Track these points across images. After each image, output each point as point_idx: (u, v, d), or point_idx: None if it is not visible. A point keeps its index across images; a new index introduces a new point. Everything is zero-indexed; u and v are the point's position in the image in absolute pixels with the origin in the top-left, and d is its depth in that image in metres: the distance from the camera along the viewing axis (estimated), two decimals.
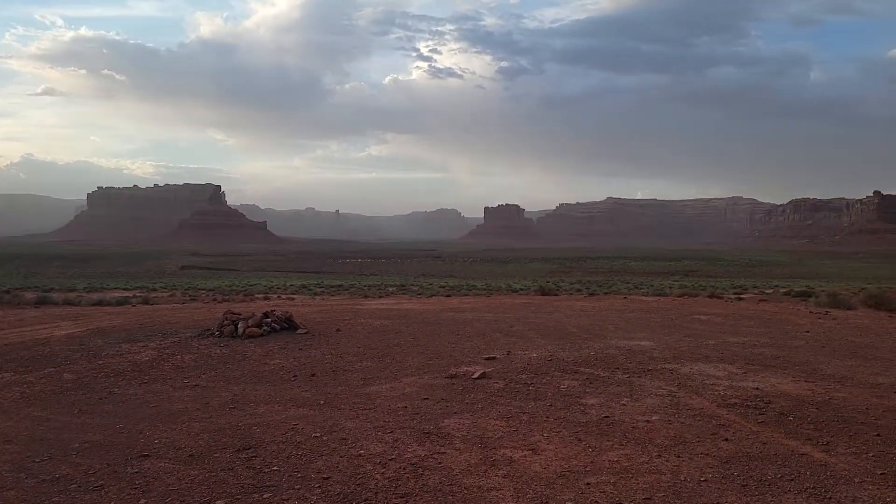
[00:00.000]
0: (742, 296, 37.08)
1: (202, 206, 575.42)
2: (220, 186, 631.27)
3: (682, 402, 6.81)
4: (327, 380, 8.83)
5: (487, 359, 9.77)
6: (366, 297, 27.04)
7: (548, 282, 44.25)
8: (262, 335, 12.61)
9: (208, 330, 13.21)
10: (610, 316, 14.78)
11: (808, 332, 11.94)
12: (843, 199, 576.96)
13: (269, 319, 13.11)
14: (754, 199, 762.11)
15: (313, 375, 9.17)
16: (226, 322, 13.07)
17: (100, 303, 23.58)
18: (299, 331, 13.12)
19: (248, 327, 12.70)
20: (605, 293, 24.28)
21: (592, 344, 10.90)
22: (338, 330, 13.26)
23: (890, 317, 14.55)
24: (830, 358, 9.23)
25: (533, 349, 10.50)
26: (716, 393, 7.14)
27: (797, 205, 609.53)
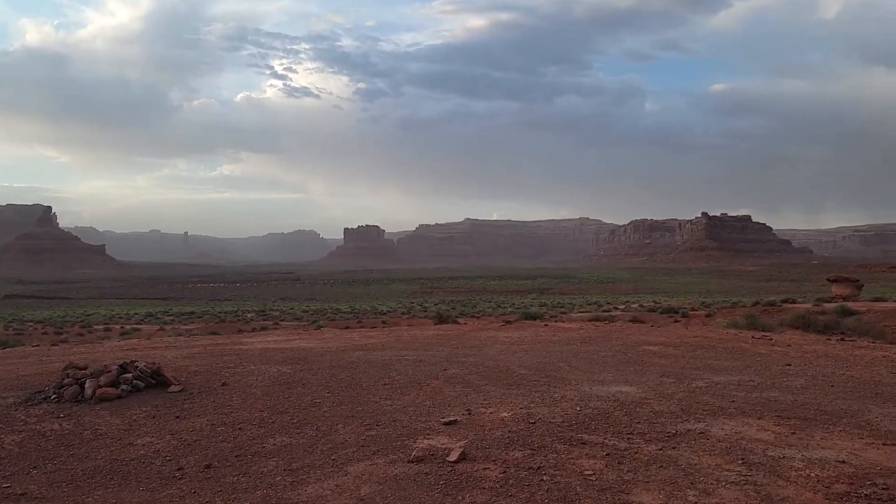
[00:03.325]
0: (611, 312, 37.51)
1: (29, 228, 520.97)
2: (50, 207, 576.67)
3: (774, 494, 4.88)
4: (233, 475, 6.04)
5: (447, 423, 7.41)
6: (241, 332, 23.48)
7: (451, 308, 42.39)
8: (119, 397, 9.35)
9: (41, 392, 9.68)
10: (551, 350, 12.91)
11: (788, 365, 10.71)
12: (676, 219, 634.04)
13: (130, 375, 9.84)
14: (600, 220, 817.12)
15: (208, 467, 6.32)
16: (67, 380, 9.64)
17: None
18: (171, 388, 9.96)
19: (100, 387, 9.38)
20: (519, 318, 22.59)
21: (562, 392, 8.86)
22: (224, 384, 10.26)
23: (838, 340, 13.99)
24: (862, 402, 7.85)
25: (496, 404, 8.27)
26: (801, 473, 5.30)
27: (636, 225, 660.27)
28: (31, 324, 45.25)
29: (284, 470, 6.07)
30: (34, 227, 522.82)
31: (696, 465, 5.59)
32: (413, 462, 6.04)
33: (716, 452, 5.91)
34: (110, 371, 9.84)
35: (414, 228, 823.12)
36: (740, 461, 5.62)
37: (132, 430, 7.83)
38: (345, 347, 14.32)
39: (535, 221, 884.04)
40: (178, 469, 6.30)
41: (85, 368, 10.05)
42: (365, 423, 7.68)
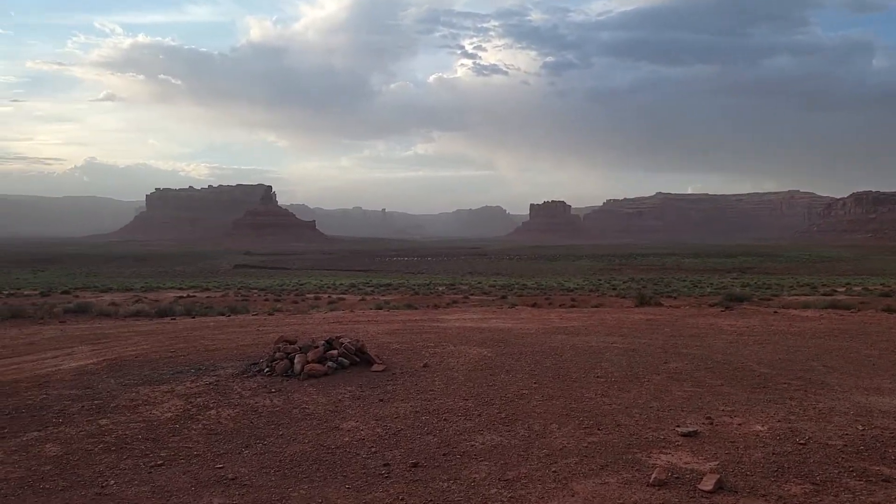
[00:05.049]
0: (834, 296, 32.42)
1: (254, 206, 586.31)
2: (270, 187, 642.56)
3: None
4: (443, 479, 5.37)
5: (686, 434, 6.17)
6: (436, 307, 23.61)
7: (644, 287, 40.06)
8: (326, 374, 9.28)
9: (255, 364, 9.96)
10: (793, 344, 10.97)
11: None
12: None
13: (335, 352, 9.76)
14: (812, 193, 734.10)
15: (416, 465, 5.73)
16: (278, 354, 9.80)
17: (137, 314, 20.80)
18: (374, 367, 9.75)
19: (308, 363, 9.39)
20: (723, 299, 20.03)
21: (828, 402, 7.17)
22: (425, 365, 9.85)
23: None
24: None
25: (743, 412, 6.85)
26: None
27: (859, 198, 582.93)
28: (255, 291, 50.01)
29: (499, 480, 5.27)
30: (258, 204, 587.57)
31: None
32: (654, 486, 4.93)
33: None
34: (318, 347, 9.83)
35: (601, 203, 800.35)
36: None
37: (338, 411, 7.58)
38: (545, 330, 13.41)
39: (734, 195, 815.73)
40: (385, 465, 5.78)
41: (294, 343, 10.17)
42: (583, 424, 6.69)
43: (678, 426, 6.42)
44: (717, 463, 5.37)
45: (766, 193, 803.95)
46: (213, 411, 7.67)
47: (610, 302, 27.81)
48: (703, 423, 6.50)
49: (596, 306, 24.26)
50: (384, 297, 36.30)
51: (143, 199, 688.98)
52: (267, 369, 9.53)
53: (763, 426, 6.33)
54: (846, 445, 5.68)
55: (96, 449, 6.49)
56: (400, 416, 7.30)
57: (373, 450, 6.22)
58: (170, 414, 7.57)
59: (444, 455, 5.97)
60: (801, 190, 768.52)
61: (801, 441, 5.82)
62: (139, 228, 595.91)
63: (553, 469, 5.45)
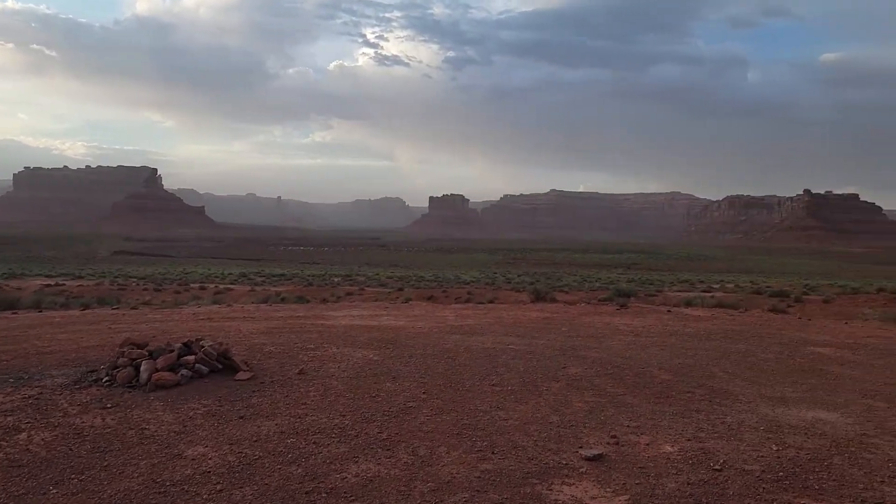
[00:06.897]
0: (711, 294, 34.10)
1: (137, 189, 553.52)
2: (156, 169, 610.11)
3: None
4: None
5: (590, 459, 5.38)
6: (325, 301, 22.18)
7: (538, 281, 40.22)
8: (178, 384, 7.86)
9: (93, 371, 8.36)
10: (690, 347, 10.60)
11: None
12: (775, 196, 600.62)
13: (193, 357, 8.34)
14: (692, 195, 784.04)
15: None
16: (122, 360, 8.24)
17: None
18: (240, 374, 8.40)
19: (157, 371, 7.92)
20: (612, 294, 20.10)
21: (736, 415, 6.64)
22: (300, 372, 8.63)
23: None
24: None
25: (650, 429, 6.18)
26: None
27: (732, 201, 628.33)
28: (134, 280, 46.34)
29: None
30: (142, 187, 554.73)
31: None
32: None
33: None
34: (172, 351, 8.37)
35: (498, 198, 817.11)
36: None
37: (185, 432, 6.27)
38: (438, 329, 12.49)
39: (622, 195, 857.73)
40: None
41: (144, 346, 8.64)
42: (476, 446, 5.77)
43: (581, 447, 5.64)
44: (627, 497, 4.59)
45: (651, 194, 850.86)
46: (23, 434, 6.14)
47: (505, 296, 27.50)
48: (609, 444, 5.75)
49: (491, 301, 23.79)
50: (276, 289, 34.49)
51: (10, 178, 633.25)
52: (107, 379, 7.98)
53: (673, 446, 5.65)
54: (764, 471, 5.07)
55: None
56: (260, 438, 6.10)
57: (218, 487, 5.01)
58: None
59: (306, 494, 4.86)
60: (682, 192, 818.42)
61: (716, 466, 5.16)
62: (5, 210, 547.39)
63: None
